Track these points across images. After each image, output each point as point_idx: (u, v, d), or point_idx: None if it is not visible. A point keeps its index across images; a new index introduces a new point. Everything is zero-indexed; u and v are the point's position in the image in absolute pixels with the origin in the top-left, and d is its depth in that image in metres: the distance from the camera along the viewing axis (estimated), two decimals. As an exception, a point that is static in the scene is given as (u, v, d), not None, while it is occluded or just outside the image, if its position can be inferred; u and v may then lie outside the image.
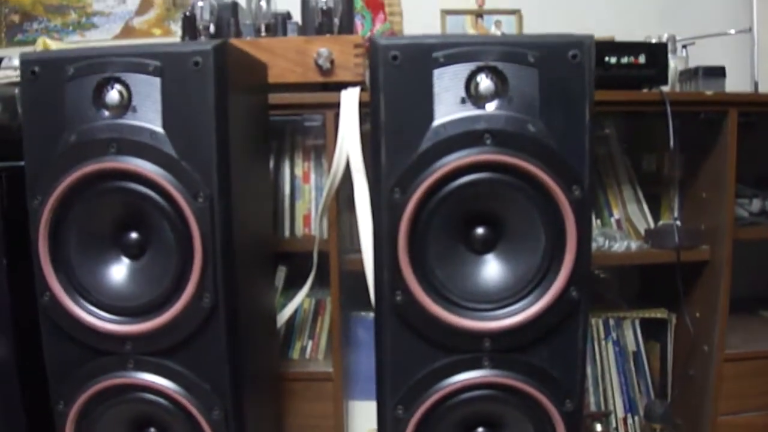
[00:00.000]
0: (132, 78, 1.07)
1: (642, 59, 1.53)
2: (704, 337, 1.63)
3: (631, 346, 1.72)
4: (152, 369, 1.11)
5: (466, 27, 1.84)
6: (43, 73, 1.09)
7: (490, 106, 1.06)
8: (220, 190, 1.07)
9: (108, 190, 1.08)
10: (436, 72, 1.05)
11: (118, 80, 1.07)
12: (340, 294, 1.48)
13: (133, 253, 1.11)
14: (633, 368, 1.73)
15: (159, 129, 1.06)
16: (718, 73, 1.61)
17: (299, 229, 1.54)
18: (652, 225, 1.70)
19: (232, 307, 1.11)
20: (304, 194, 1.54)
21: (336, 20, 1.51)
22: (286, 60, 1.42)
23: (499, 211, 1.09)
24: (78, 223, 1.09)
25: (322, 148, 1.53)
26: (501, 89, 1.06)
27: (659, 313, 1.72)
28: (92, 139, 1.07)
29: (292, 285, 1.57)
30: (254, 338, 1.27)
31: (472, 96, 1.06)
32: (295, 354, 1.57)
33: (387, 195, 1.06)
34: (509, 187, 1.06)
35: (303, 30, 1.55)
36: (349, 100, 1.39)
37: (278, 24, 1.52)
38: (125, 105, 1.07)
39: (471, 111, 1.06)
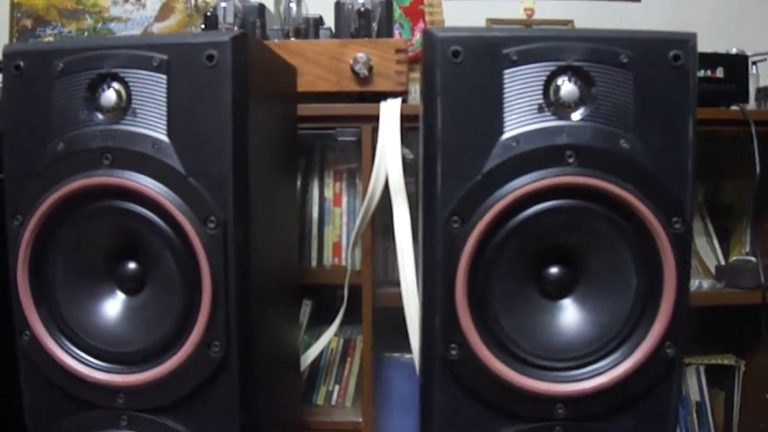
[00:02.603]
0: (132, 75, 0.83)
1: (720, 73, 1.26)
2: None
3: (694, 396, 1.43)
4: (148, 428, 0.86)
5: (514, 39, 1.58)
6: (28, 68, 0.85)
7: (574, 116, 0.80)
8: (237, 214, 0.82)
9: (100, 211, 0.84)
10: (508, 72, 0.80)
11: (116, 77, 0.83)
12: (372, 333, 1.21)
13: (130, 287, 0.86)
14: (696, 420, 1.43)
15: (163, 137, 0.82)
16: (802, 91, 1.34)
17: (328, 259, 1.28)
18: (722, 261, 1.42)
19: (247, 356, 0.84)
20: (335, 219, 1.27)
21: (374, 25, 1.26)
22: (319, 66, 1.17)
23: (578, 246, 0.83)
24: (65, 250, 0.85)
25: (356, 167, 1.27)
26: (587, 95, 0.80)
27: (726, 359, 1.44)
28: (83, 149, 0.83)
29: (318, 321, 1.30)
30: (273, 387, 1.00)
31: (552, 103, 0.80)
32: (320, 399, 1.30)
33: (443, 225, 0.80)
34: (595, 218, 0.80)
35: (336, 36, 1.30)
36: (390, 112, 1.13)
37: (310, 29, 1.26)
38: (123, 107, 0.83)
39: (550, 121, 0.80)
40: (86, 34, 1.49)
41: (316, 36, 1.26)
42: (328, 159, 1.27)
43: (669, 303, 0.81)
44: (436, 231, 0.81)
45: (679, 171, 0.81)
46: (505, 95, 0.79)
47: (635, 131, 0.80)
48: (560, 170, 0.79)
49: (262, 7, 1.32)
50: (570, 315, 0.83)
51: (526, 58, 0.79)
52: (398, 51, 1.16)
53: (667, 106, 0.81)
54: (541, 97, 0.79)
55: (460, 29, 0.81)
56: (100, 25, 1.49)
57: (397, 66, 1.16)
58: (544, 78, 0.79)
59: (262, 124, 0.90)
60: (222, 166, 0.81)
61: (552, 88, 0.80)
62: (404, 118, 1.13)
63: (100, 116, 0.83)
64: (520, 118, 0.79)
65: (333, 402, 1.29)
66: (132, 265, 0.86)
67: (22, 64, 0.85)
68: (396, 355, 1.29)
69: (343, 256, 1.27)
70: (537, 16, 1.58)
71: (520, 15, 1.58)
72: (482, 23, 1.59)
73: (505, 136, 0.79)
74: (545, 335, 0.83)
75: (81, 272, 0.85)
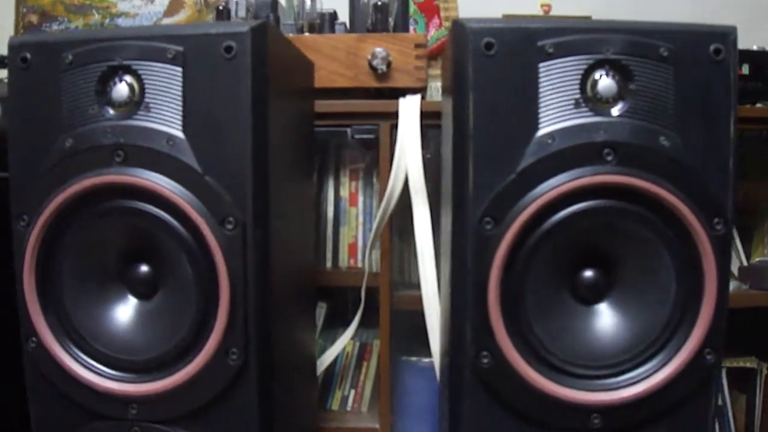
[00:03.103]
0: (146, 67, 0.77)
1: (745, 70, 1.21)
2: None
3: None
4: (162, 440, 0.80)
5: (530, 35, 1.52)
6: (35, 61, 0.79)
7: (612, 112, 0.74)
8: (256, 215, 0.77)
9: (112, 211, 0.78)
10: (543, 66, 0.74)
11: (128, 70, 0.78)
12: (391, 337, 1.15)
13: (143, 291, 0.81)
14: (717, 424, 1.38)
15: (179, 133, 0.76)
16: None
17: (343, 260, 1.22)
18: (744, 262, 1.37)
19: (266, 363, 0.79)
20: (350, 219, 1.21)
21: (390, 20, 1.21)
22: (335, 61, 1.12)
23: (614, 249, 0.77)
24: (73, 252, 0.80)
25: (373, 166, 1.21)
26: (625, 90, 0.75)
27: (748, 362, 1.38)
28: (93, 145, 0.78)
29: (333, 324, 1.25)
30: (290, 393, 0.95)
31: (589, 98, 0.75)
32: (335, 405, 1.24)
33: (474, 226, 0.75)
34: (633, 219, 0.75)
35: (351, 31, 1.24)
36: (410, 109, 1.08)
37: (325, 23, 1.21)
38: (136, 102, 0.78)
39: (587, 117, 0.75)
40: (92, 29, 1.43)
41: (332, 31, 1.21)
42: (344, 157, 1.22)
43: (709, 308, 0.76)
44: (467, 233, 0.75)
45: (720, 170, 0.76)
46: (541, 90, 0.74)
47: (675, 128, 0.75)
48: (598, 169, 0.73)
49: (275, 2, 1.26)
50: (605, 320, 0.78)
51: (562, 51, 0.74)
52: (417, 46, 1.11)
53: (707, 102, 0.76)
54: (577, 91, 0.74)
55: (492, 20, 0.76)
56: (107, 20, 1.43)
57: (416, 61, 1.10)
58: (581, 72, 0.74)
59: (281, 120, 0.85)
60: (240, 164, 0.76)
61: (589, 83, 0.74)
62: (422, 115, 1.08)
63: (111, 111, 0.78)
64: (556, 113, 0.74)
65: (348, 407, 1.24)
66: (144, 268, 0.81)
67: (28, 56, 0.79)
68: (413, 359, 1.23)
69: (359, 257, 1.22)
70: (554, 11, 1.53)
71: (537, 11, 1.52)
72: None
73: (540, 132, 0.74)
74: (580, 342, 0.77)
75: (90, 276, 0.80)
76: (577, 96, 0.74)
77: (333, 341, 1.20)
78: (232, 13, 1.20)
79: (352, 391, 1.24)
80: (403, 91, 1.12)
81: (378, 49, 1.10)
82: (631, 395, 0.76)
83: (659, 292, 0.77)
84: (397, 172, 1.07)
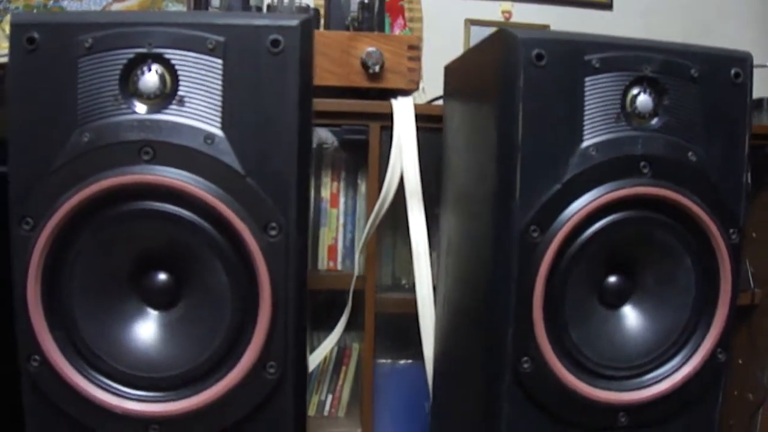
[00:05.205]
0: (180, 57, 0.70)
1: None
2: (748, 385, 1.40)
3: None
4: (183, 462, 0.73)
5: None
6: (46, 42, 0.69)
7: (648, 127, 0.77)
8: (299, 219, 0.71)
9: (136, 215, 0.70)
10: (589, 79, 0.75)
11: (159, 58, 0.70)
12: (375, 342, 1.13)
13: (161, 301, 0.73)
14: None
15: (217, 131, 0.70)
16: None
17: (323, 263, 1.17)
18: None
19: (302, 376, 0.75)
20: (331, 220, 1.17)
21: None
22: (328, 59, 1.07)
23: (641, 255, 0.81)
24: (87, 260, 0.71)
25: (355, 166, 1.18)
26: (659, 107, 0.78)
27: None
28: (116, 141, 0.70)
29: (311, 328, 1.19)
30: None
31: (628, 113, 0.77)
32: (311, 410, 1.19)
33: (520, 234, 0.74)
34: (662, 228, 0.78)
35: (326, 27, 1.20)
36: (404, 110, 1.06)
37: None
38: (168, 94, 0.70)
39: (626, 131, 0.77)
40: (35, 11, 1.27)
41: (316, 27, 1.16)
42: (326, 156, 1.17)
43: (724, 310, 0.81)
44: (513, 240, 0.75)
45: (735, 183, 0.82)
46: (586, 103, 0.75)
47: (700, 144, 0.79)
48: (636, 181, 0.76)
49: (246, -5, 1.19)
50: (631, 323, 0.81)
51: (607, 66, 0.76)
52: (411, 47, 1.08)
53: (727, 121, 0.81)
54: (618, 106, 0.76)
55: (540, 31, 0.77)
56: (51, 2, 1.27)
57: (409, 63, 1.08)
58: (623, 87, 0.76)
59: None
60: (285, 165, 0.71)
61: (629, 98, 0.77)
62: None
63: (138, 104, 0.70)
64: (599, 126, 0.76)
65: (326, 412, 1.19)
66: (163, 276, 0.73)
67: (36, 36, 0.69)
68: (388, 361, 1.21)
69: (339, 259, 1.18)
70: (514, 19, 1.56)
71: (498, 17, 1.55)
72: (461, 23, 1.54)
73: (585, 144, 0.75)
74: (608, 344, 0.80)
75: (105, 285, 0.71)
76: (618, 110, 0.76)
77: (312, 346, 1.16)
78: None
79: (330, 396, 1.20)
80: (393, 93, 1.10)
81: (371, 49, 1.06)
82: (655, 393, 0.80)
83: (680, 295, 0.81)
84: (393, 174, 1.04)
